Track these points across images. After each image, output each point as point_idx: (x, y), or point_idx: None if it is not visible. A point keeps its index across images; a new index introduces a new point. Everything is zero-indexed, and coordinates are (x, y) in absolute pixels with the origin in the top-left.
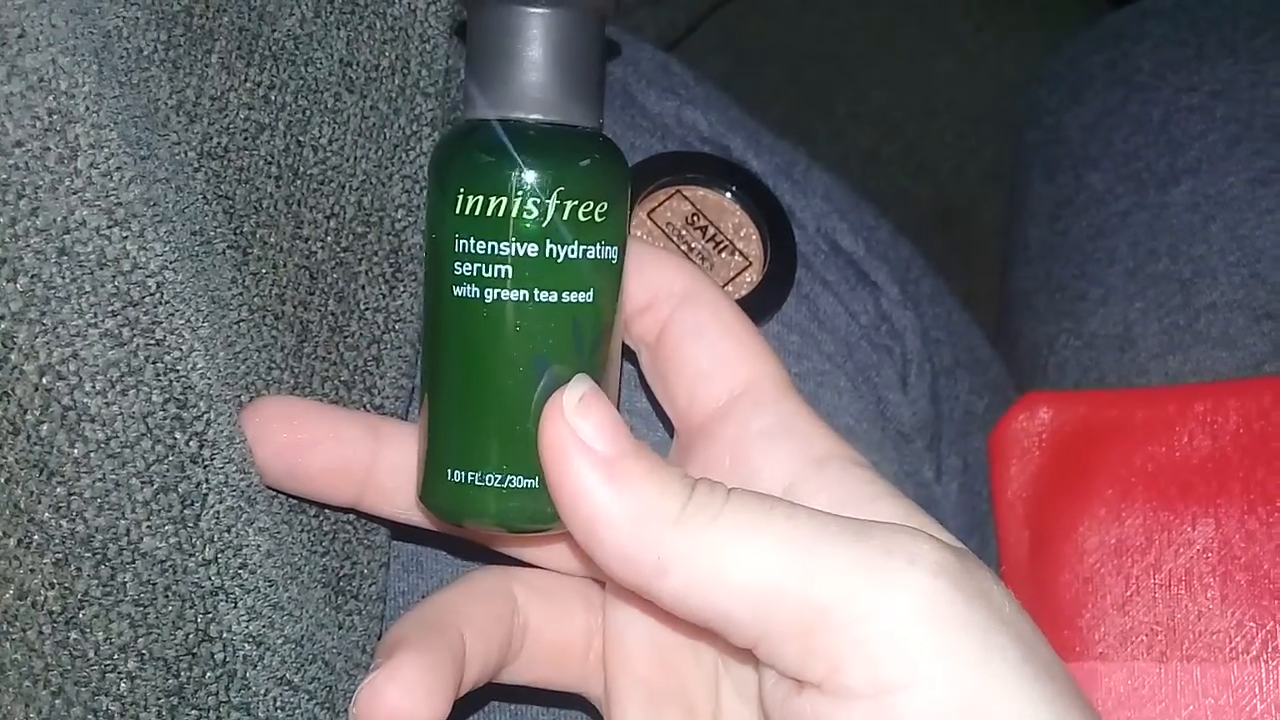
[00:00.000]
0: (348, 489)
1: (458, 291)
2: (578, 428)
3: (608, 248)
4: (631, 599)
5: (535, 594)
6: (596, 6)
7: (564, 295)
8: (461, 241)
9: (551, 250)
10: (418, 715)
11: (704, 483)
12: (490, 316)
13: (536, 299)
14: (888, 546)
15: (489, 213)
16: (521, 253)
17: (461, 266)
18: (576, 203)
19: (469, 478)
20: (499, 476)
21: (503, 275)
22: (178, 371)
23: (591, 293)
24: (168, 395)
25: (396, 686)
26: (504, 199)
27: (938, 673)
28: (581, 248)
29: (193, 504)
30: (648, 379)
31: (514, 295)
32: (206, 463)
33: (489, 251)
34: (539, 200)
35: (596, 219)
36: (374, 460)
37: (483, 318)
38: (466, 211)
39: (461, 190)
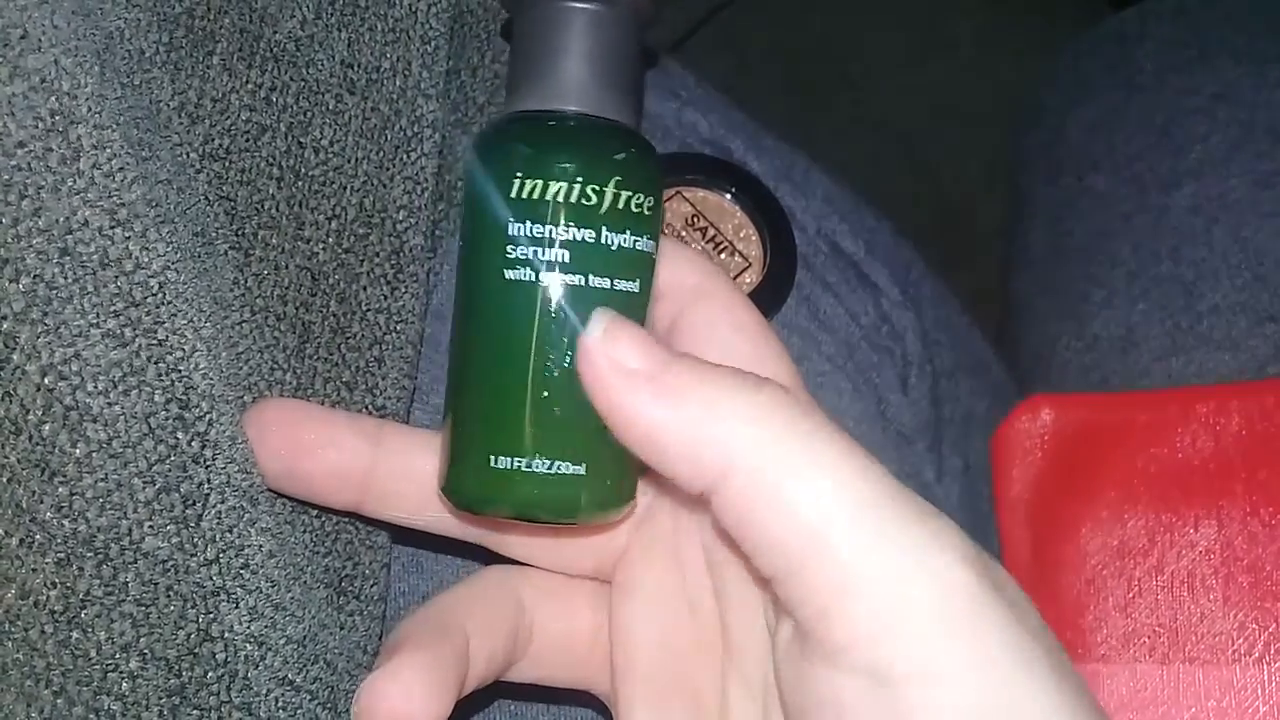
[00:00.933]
0: (347, 493)
1: (510, 275)
2: (612, 353)
3: (650, 241)
4: (685, 501)
5: (541, 593)
6: (637, 7)
7: (616, 283)
8: (517, 225)
9: (607, 238)
10: (417, 715)
11: (776, 385)
12: (545, 300)
13: (590, 284)
14: (941, 541)
15: (548, 197)
16: (580, 238)
17: (516, 250)
18: (630, 193)
19: (512, 464)
20: (547, 462)
21: (559, 259)
22: (180, 372)
23: (638, 284)
24: (170, 395)
25: (397, 687)
26: (564, 184)
27: (965, 674)
28: (633, 238)
29: (194, 504)
30: None
31: (570, 279)
32: (208, 463)
33: (546, 235)
34: (597, 188)
35: (646, 211)
36: (373, 466)
37: (536, 301)
38: (525, 196)
39: (519, 174)
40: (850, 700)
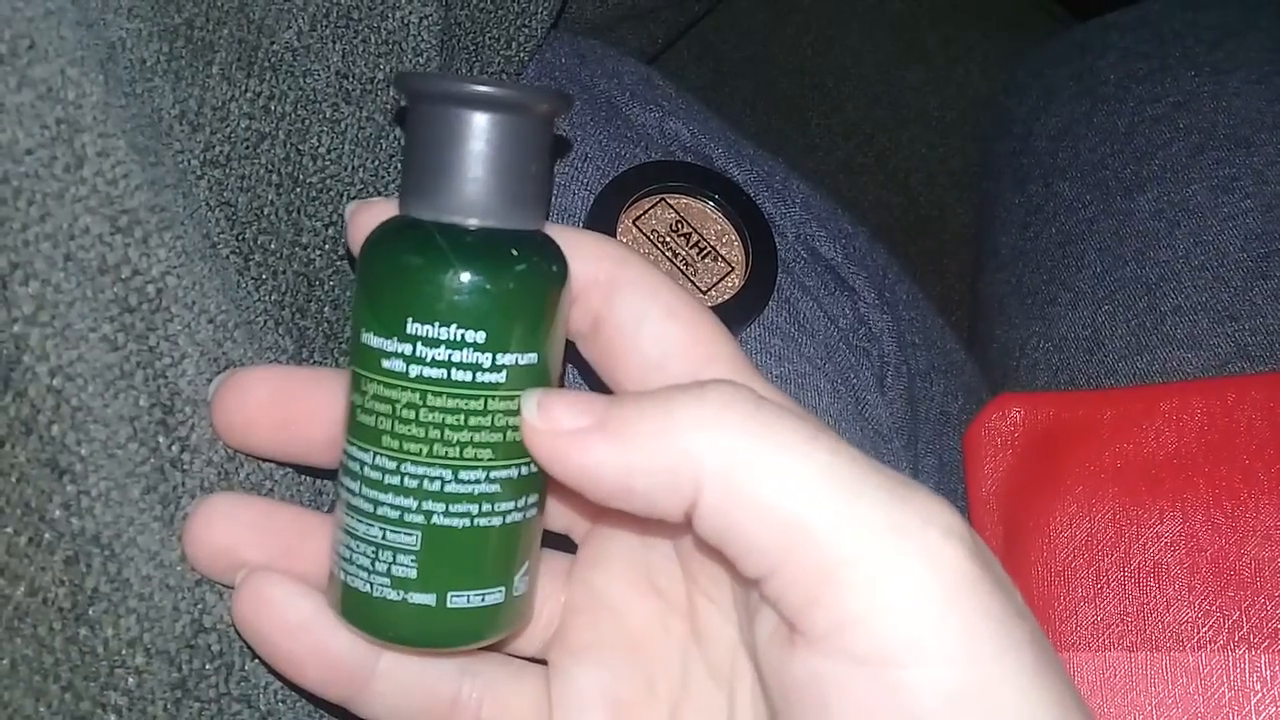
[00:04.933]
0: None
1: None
2: (552, 424)
3: (529, 354)
4: (653, 529)
5: (487, 686)
6: (541, 110)
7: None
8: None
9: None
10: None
11: (720, 383)
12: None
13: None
14: (926, 515)
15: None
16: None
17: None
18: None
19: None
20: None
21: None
22: (166, 378)
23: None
24: (154, 400)
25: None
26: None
27: (953, 655)
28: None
29: (169, 505)
30: (596, 371)
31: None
32: (185, 467)
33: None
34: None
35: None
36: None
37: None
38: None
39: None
40: (837, 683)
